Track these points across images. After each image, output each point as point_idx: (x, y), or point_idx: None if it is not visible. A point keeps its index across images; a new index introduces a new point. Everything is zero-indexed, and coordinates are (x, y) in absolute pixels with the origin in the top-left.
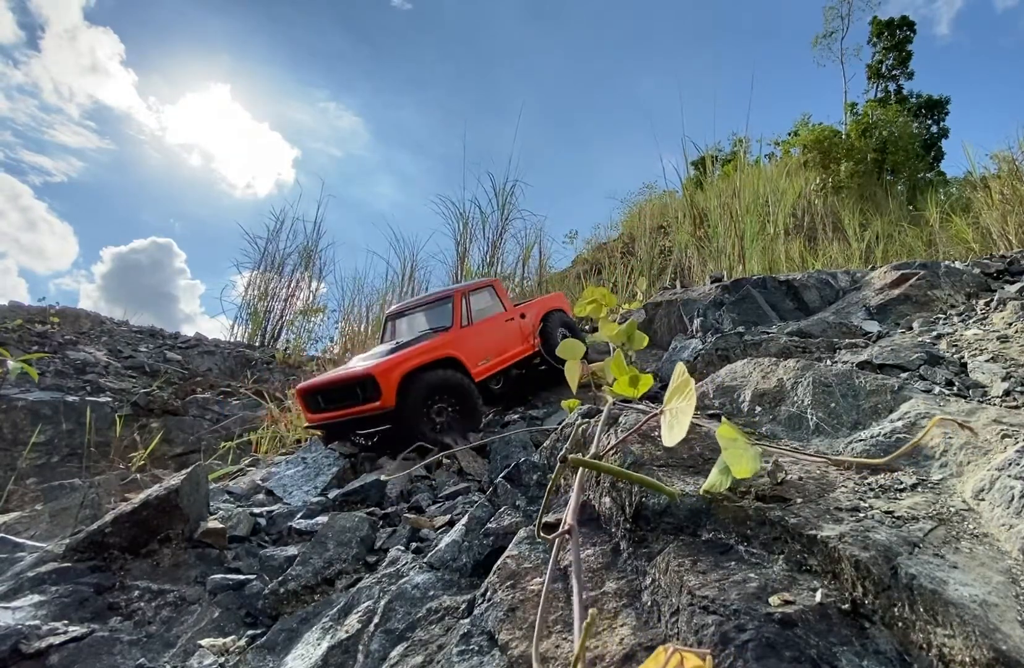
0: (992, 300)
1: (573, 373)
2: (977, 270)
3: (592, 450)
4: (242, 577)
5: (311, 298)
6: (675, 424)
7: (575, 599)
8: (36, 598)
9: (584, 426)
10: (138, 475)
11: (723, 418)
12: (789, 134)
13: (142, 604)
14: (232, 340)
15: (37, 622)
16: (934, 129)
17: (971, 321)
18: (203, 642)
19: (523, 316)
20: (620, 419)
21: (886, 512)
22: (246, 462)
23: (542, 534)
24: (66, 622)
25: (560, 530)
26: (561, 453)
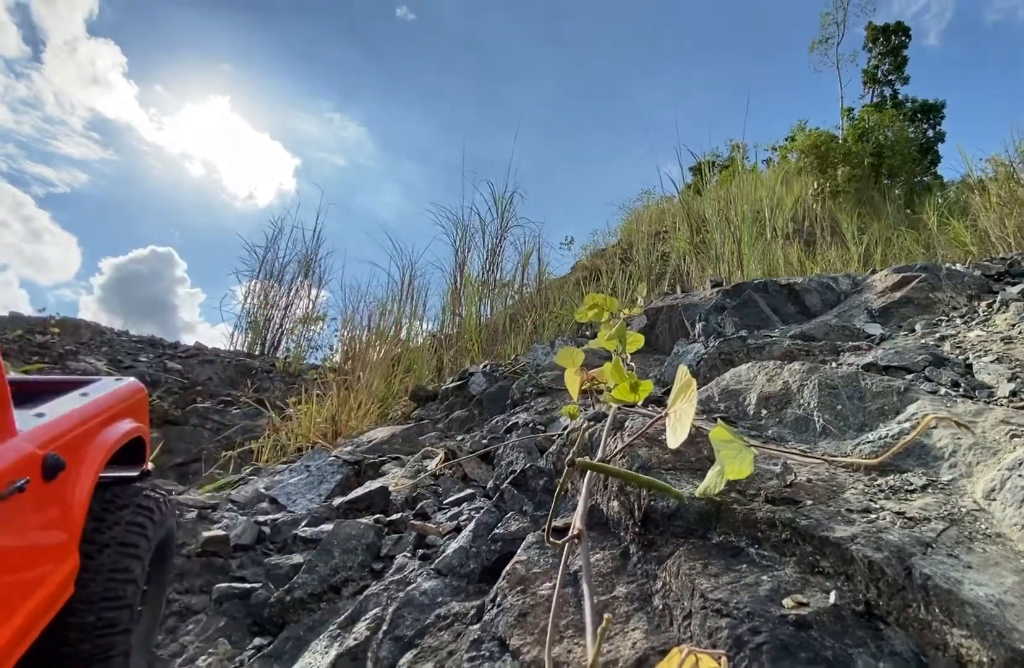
0: (994, 302)
1: (573, 380)
2: (978, 272)
3: (599, 454)
4: (248, 586)
5: (311, 306)
6: (678, 426)
7: (586, 604)
8: None
9: (590, 430)
10: None
11: (719, 420)
12: (786, 139)
13: None
14: (232, 349)
15: None
16: (930, 133)
17: (974, 323)
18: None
19: (56, 465)
20: (626, 423)
21: (897, 513)
22: (247, 471)
23: (551, 539)
24: None
25: (569, 535)
26: (569, 457)
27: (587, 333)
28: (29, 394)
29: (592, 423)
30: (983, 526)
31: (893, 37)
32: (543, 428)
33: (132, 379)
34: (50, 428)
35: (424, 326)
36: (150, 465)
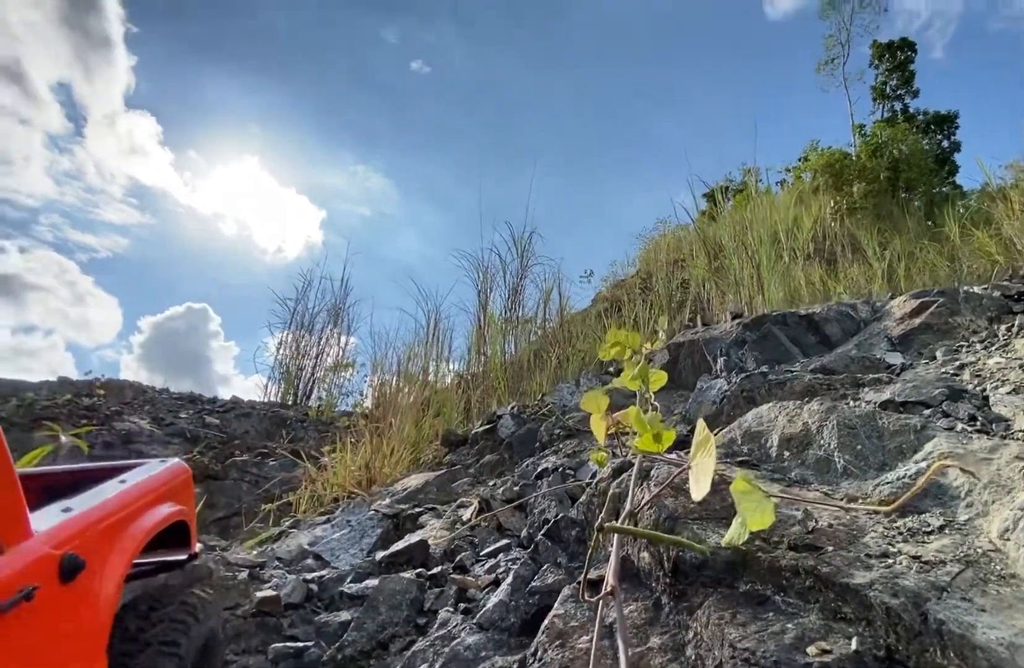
0: (1013, 325)
1: (599, 425)
2: (997, 293)
3: (627, 506)
4: (301, 645)
5: (340, 354)
6: (700, 478)
7: (621, 658)
8: None
9: (618, 481)
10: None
11: (738, 469)
12: (799, 160)
13: None
14: (267, 400)
15: None
16: (945, 144)
17: (993, 348)
18: None
19: (74, 565)
20: (652, 472)
21: (914, 557)
22: (287, 523)
23: (585, 597)
24: None
25: (603, 591)
26: (598, 522)
27: (611, 369)
28: (69, 485)
29: (619, 473)
30: (998, 567)
31: (899, 53)
32: (572, 472)
33: (176, 460)
34: (72, 524)
35: (451, 367)
36: (198, 547)
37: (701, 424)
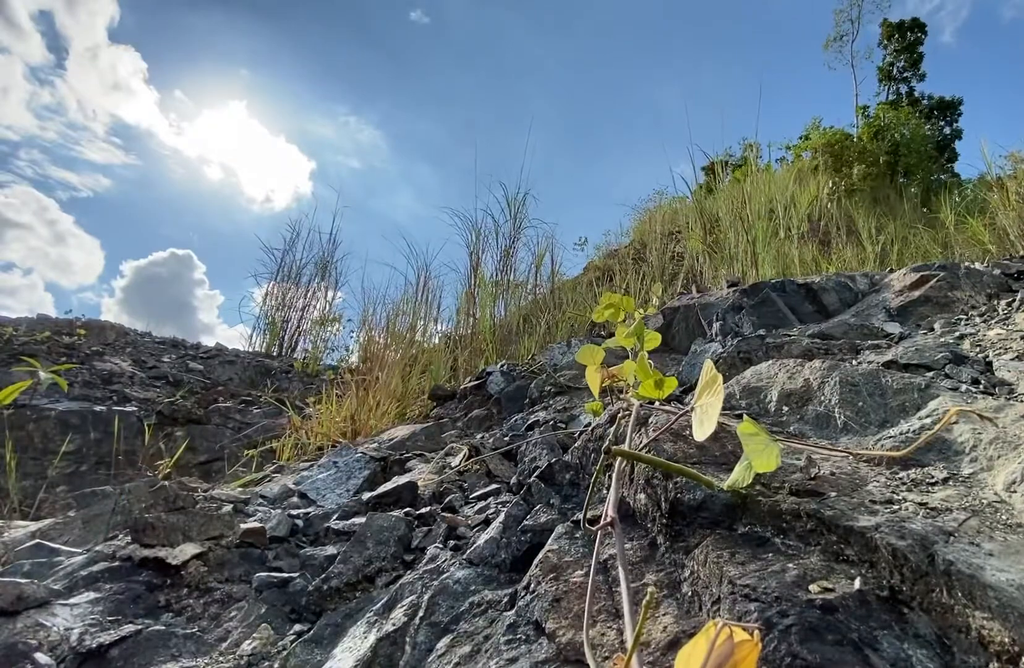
0: (1014, 300)
1: (594, 378)
2: (997, 271)
3: (626, 448)
4: (286, 575)
5: (327, 308)
6: (705, 419)
7: (622, 584)
8: (92, 595)
9: (614, 427)
10: (166, 483)
11: (744, 415)
12: (800, 138)
13: (191, 601)
14: (251, 350)
15: (96, 618)
16: (947, 131)
17: (993, 321)
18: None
19: None
20: (650, 419)
21: (920, 504)
22: (270, 469)
23: (587, 525)
24: (121, 617)
25: (602, 522)
26: (605, 445)
27: (602, 333)
28: None
29: (615, 421)
30: (1004, 517)
31: (909, 33)
32: (564, 425)
33: None
34: None
35: (439, 327)
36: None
37: (708, 365)
